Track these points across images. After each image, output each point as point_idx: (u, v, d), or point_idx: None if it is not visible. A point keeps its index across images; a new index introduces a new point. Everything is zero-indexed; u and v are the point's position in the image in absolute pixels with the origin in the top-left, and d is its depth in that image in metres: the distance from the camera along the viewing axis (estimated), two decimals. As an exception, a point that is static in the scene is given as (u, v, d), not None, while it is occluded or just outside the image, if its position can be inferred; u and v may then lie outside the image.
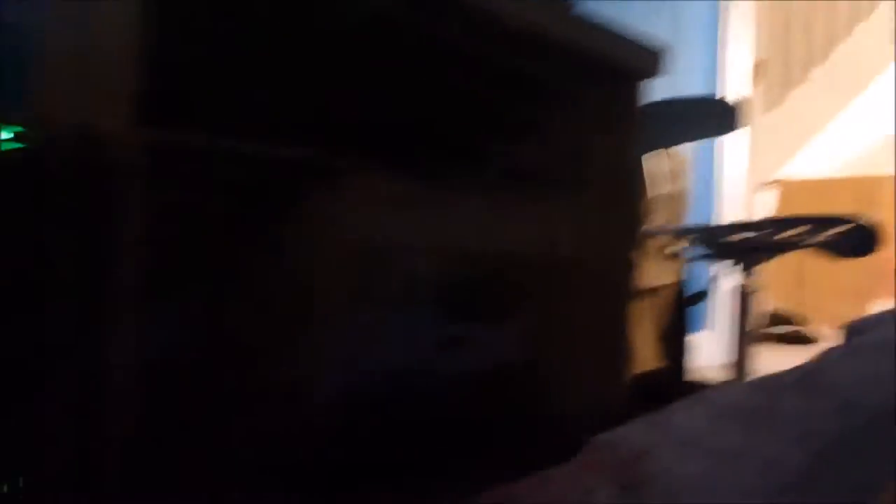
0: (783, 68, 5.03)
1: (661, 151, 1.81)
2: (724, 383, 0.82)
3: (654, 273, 2.07)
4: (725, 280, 3.10)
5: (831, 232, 1.43)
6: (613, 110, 1.42)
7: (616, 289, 1.43)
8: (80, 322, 0.77)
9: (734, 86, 3.31)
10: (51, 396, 0.76)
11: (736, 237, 1.51)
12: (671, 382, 1.73)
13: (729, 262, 1.65)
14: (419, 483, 1.20)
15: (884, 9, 4.62)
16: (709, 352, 3.23)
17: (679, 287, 2.25)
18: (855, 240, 1.43)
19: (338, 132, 1.35)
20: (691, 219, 2.93)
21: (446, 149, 1.29)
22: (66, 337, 0.75)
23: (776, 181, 4.58)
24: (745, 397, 0.73)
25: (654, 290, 2.15)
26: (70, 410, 0.77)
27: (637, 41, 1.37)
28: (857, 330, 0.90)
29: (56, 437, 0.75)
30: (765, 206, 4.65)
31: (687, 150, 3.04)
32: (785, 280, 4.34)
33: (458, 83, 1.65)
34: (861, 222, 1.38)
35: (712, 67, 3.28)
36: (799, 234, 1.45)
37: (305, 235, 1.14)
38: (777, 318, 4.42)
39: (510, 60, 1.38)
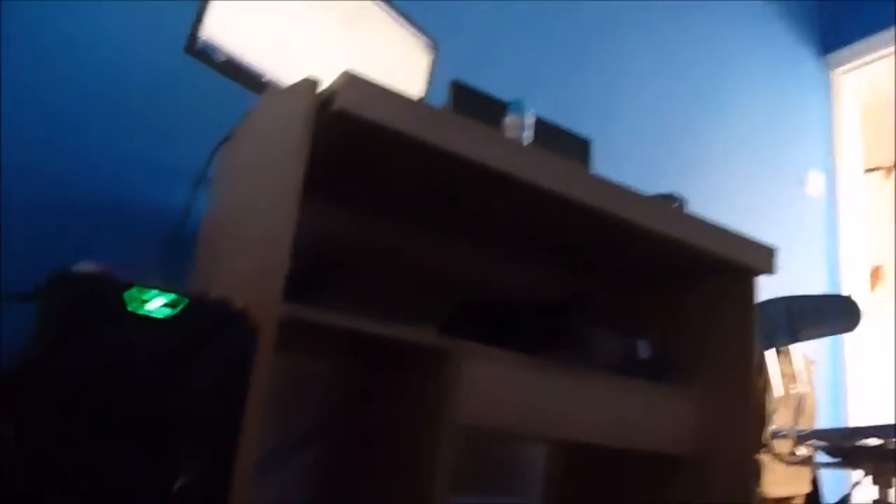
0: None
1: (787, 350, 1.77)
2: None
3: (782, 480, 1.94)
4: (863, 492, 2.84)
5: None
6: (729, 305, 1.44)
7: (742, 490, 1.36)
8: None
9: (852, 287, 3.23)
10: None
11: (865, 443, 1.42)
12: None
13: (863, 471, 1.54)
14: None
15: None
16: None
17: (811, 497, 2.08)
18: None
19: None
20: (820, 424, 2.77)
21: (575, 339, 1.33)
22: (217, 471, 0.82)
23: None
24: None
25: (783, 500, 2.01)
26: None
27: (752, 239, 1.42)
28: None
29: None
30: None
31: (815, 350, 2.94)
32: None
33: (581, 277, 1.73)
34: None
35: (832, 269, 3.24)
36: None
37: (421, 408, 1.19)
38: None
39: (635, 252, 1.45)
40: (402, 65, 1.63)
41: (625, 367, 1.36)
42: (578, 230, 1.38)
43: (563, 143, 1.79)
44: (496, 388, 1.21)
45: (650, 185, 2.54)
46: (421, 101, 1.06)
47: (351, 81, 0.98)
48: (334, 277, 1.42)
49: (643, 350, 1.42)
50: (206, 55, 1.30)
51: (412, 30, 1.66)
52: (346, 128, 1.04)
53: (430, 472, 1.13)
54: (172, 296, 0.80)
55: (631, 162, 2.55)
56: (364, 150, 1.14)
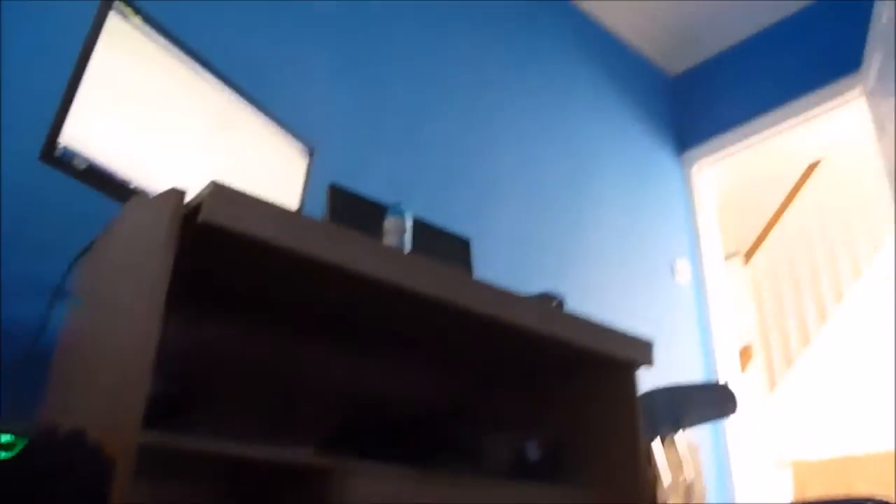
0: (773, 350, 5.19)
1: (672, 438, 1.81)
2: None
3: (677, 570, 1.94)
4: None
5: (852, 517, 1.37)
6: (612, 398, 1.45)
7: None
8: None
9: (726, 368, 3.39)
10: None
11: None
12: None
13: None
14: None
15: (869, 279, 4.89)
16: None
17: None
18: (878, 525, 1.37)
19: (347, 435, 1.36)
20: (708, 507, 2.81)
21: (463, 447, 1.30)
22: None
23: (789, 463, 4.46)
24: None
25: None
26: None
27: (629, 334, 1.45)
28: None
29: None
30: (781, 489, 4.47)
31: (697, 436, 3.02)
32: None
33: (465, 382, 1.71)
34: (875, 503, 1.34)
35: (706, 352, 3.39)
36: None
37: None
38: None
39: (519, 351, 1.45)
40: (276, 170, 1.61)
41: (515, 471, 1.33)
42: (462, 335, 1.37)
43: (444, 244, 1.80)
44: (372, 500, 1.15)
45: (528, 282, 2.60)
46: (294, 210, 1.03)
47: (217, 191, 0.95)
48: (206, 396, 1.33)
49: (532, 452, 1.41)
50: (65, 162, 1.22)
51: (287, 135, 1.65)
52: (213, 239, 0.99)
53: None
54: (8, 436, 0.70)
55: (509, 260, 2.61)
56: (234, 261, 1.09)
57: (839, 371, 4.84)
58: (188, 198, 0.98)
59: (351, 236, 1.09)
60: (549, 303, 1.30)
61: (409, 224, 1.45)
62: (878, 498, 1.35)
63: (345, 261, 1.07)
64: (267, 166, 1.58)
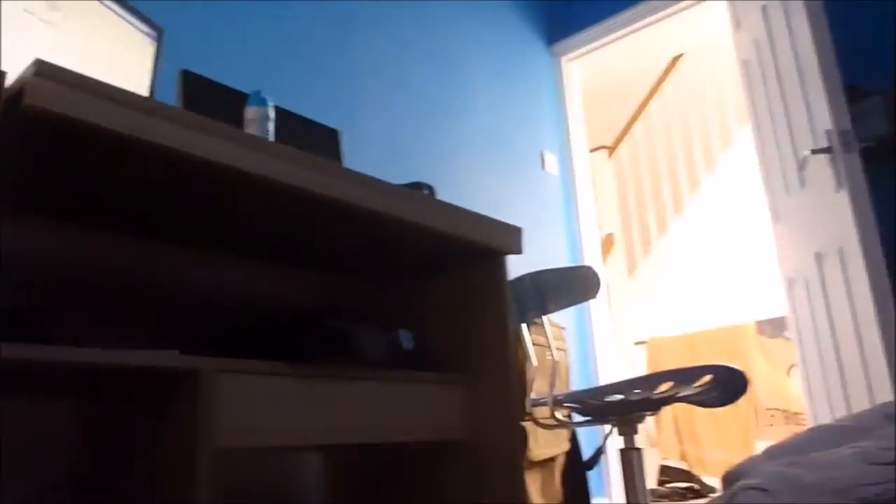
0: (633, 237, 5.49)
1: (539, 321, 1.88)
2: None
3: (545, 443, 2.07)
4: (615, 442, 3.15)
5: (698, 383, 1.50)
6: (483, 286, 1.48)
7: (511, 462, 1.42)
8: None
9: (590, 256, 3.57)
10: None
11: (611, 399, 1.56)
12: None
13: (613, 424, 1.69)
14: None
15: (723, 166, 5.22)
16: (610, 518, 3.19)
17: (573, 453, 2.25)
18: (721, 388, 1.52)
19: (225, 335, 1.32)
20: (575, 384, 3.01)
21: (337, 339, 1.28)
22: None
23: (644, 340, 4.83)
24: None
25: (548, 461, 2.15)
26: None
27: (499, 222, 1.47)
28: (733, 478, 0.93)
29: None
30: (638, 366, 4.86)
31: (562, 318, 3.19)
32: (670, 434, 4.45)
33: (331, 272, 1.69)
34: (723, 371, 1.47)
35: (571, 240, 3.54)
36: (670, 389, 1.52)
37: (175, 438, 1.07)
38: (670, 474, 4.47)
39: (387, 244, 1.44)
40: (121, 56, 1.47)
41: (389, 361, 1.35)
42: (330, 227, 1.33)
43: (311, 135, 1.73)
44: (257, 402, 1.13)
45: (399, 175, 2.57)
46: (141, 94, 0.94)
47: (43, 71, 0.84)
48: (59, 309, 1.24)
49: (406, 340, 1.42)
50: None
51: (131, 17, 1.49)
52: (43, 126, 0.89)
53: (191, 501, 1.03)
54: None
55: (380, 154, 2.56)
56: (76, 153, 0.99)
57: (691, 256, 5.22)
58: (9, 81, 0.87)
59: (209, 123, 1.01)
60: (418, 192, 1.29)
61: (272, 113, 1.38)
62: (723, 364, 1.48)
63: (204, 151, 1.00)
64: (109, 50, 1.44)
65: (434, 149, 2.81)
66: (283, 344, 1.21)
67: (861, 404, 2.07)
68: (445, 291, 1.56)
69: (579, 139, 3.79)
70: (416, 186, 1.43)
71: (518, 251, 1.48)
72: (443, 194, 2.69)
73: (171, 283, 1.43)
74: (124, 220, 1.28)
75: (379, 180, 1.24)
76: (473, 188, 2.94)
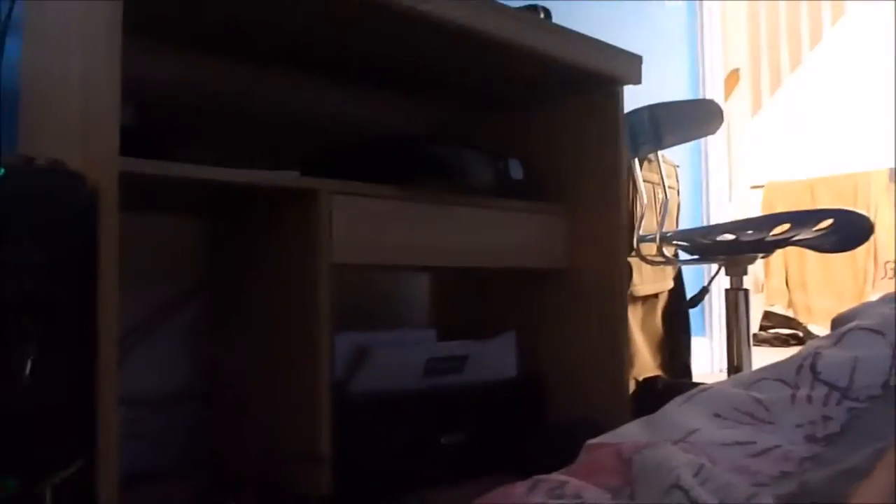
0: (762, 74, 5.10)
1: (653, 157, 1.83)
2: (716, 383, 0.83)
3: (651, 278, 2.08)
4: (721, 283, 3.12)
5: (817, 228, 1.44)
6: (600, 115, 1.44)
7: (614, 295, 1.44)
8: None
9: (713, 92, 3.35)
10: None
11: (721, 238, 1.52)
12: (674, 386, 1.73)
13: (721, 263, 1.67)
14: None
15: (855, 12, 4.70)
16: (708, 357, 3.23)
17: (677, 291, 2.26)
18: (841, 234, 1.45)
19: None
20: (684, 224, 2.95)
21: (445, 165, 1.30)
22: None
23: (762, 184, 4.62)
24: (735, 393, 0.74)
25: (652, 297, 2.16)
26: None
27: (618, 49, 1.40)
28: (842, 321, 0.91)
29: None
30: (753, 209, 4.68)
31: (676, 155, 3.07)
32: (780, 281, 4.36)
33: (457, 105, 1.67)
34: (842, 214, 1.40)
35: (693, 74, 3.33)
36: (785, 232, 1.46)
37: (295, 254, 1.15)
38: (775, 320, 4.43)
39: (498, 70, 1.40)
40: None
41: (498, 189, 1.36)
42: (438, 51, 1.30)
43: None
44: (369, 221, 1.18)
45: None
46: None
47: None
48: (181, 128, 1.30)
49: (515, 170, 1.42)
50: None
51: None
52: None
53: (313, 314, 1.11)
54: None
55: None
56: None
57: (824, 95, 4.82)
58: None
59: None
60: (533, 14, 1.23)
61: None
62: (845, 208, 1.41)
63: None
64: None
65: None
66: (391, 168, 1.24)
67: None
68: (559, 120, 1.53)
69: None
70: (531, 9, 1.36)
71: (637, 81, 1.41)
72: (557, 18, 2.56)
73: (280, 107, 1.46)
74: (233, 45, 1.29)
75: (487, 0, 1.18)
76: (589, 14, 2.77)
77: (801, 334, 4.29)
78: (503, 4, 1.20)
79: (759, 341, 4.24)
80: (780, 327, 4.41)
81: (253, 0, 1.08)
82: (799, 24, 4.98)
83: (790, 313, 4.39)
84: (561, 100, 1.51)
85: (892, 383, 0.67)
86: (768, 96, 5.07)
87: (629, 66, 1.40)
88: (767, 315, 4.40)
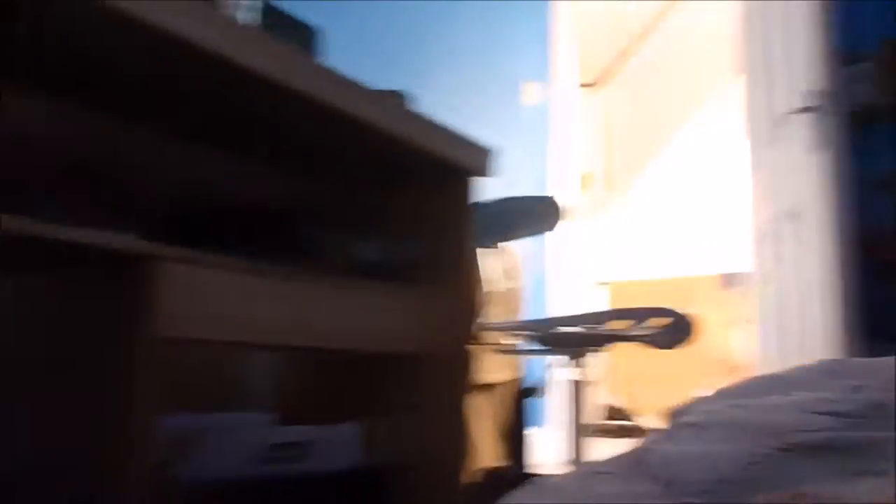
0: (611, 178, 5.49)
1: (497, 248, 1.87)
2: (553, 477, 0.82)
3: (492, 368, 2.10)
4: (560, 374, 3.20)
5: (651, 325, 1.52)
6: (449, 205, 1.46)
7: (460, 382, 1.43)
8: None
9: (565, 190, 3.56)
10: None
11: (565, 330, 1.57)
12: (510, 477, 1.73)
13: (561, 355, 1.71)
14: None
15: (708, 115, 5.20)
16: (546, 447, 3.28)
17: (517, 382, 2.29)
18: (673, 332, 1.54)
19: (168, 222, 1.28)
20: (526, 316, 3.03)
21: (301, 243, 1.26)
22: None
23: (607, 282, 4.88)
24: (572, 485, 0.73)
25: (492, 386, 2.18)
26: None
27: (469, 140, 1.43)
28: (677, 414, 0.94)
29: None
30: (597, 306, 4.92)
31: (521, 248, 3.19)
32: (618, 375, 4.56)
33: (298, 173, 1.64)
34: (677, 315, 1.49)
35: (547, 172, 3.52)
36: (623, 328, 1.53)
37: (118, 322, 1.05)
38: (612, 413, 4.61)
39: (345, 152, 1.40)
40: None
41: (352, 270, 1.33)
42: (301, 125, 1.28)
43: (287, 31, 1.66)
44: (207, 294, 1.10)
45: (377, 82, 2.49)
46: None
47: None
48: (15, 184, 1.19)
49: (370, 252, 1.40)
50: None
51: None
52: None
53: (129, 392, 1.01)
54: None
55: (362, 58, 2.48)
56: (35, 25, 0.92)
57: (664, 203, 5.24)
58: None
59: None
60: (393, 98, 1.24)
61: (253, 2, 1.30)
62: (677, 309, 1.50)
63: (176, 27, 0.93)
64: None
65: (415, 58, 2.73)
66: (242, 241, 1.18)
67: (810, 359, 2.12)
68: (411, 204, 1.53)
69: (567, 72, 3.72)
70: (391, 94, 1.38)
71: (486, 173, 1.45)
72: (419, 106, 2.63)
73: (134, 166, 1.37)
74: (89, 97, 1.21)
75: (350, 79, 1.19)
76: (449, 108, 2.87)
77: (637, 425, 4.48)
78: (367, 87, 1.20)
79: (602, 432, 4.37)
80: (621, 419, 4.59)
81: (106, 50, 1.02)
82: (649, 133, 5.44)
83: (630, 405, 4.58)
84: (416, 183, 1.52)
85: (723, 479, 0.67)
86: (617, 199, 5.43)
87: (480, 158, 1.44)
88: (607, 407, 4.57)
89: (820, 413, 0.69)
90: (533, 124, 3.50)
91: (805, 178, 2.20)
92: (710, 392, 1.07)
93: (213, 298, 1.10)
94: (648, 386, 4.44)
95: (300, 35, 1.70)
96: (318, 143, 1.37)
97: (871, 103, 2.46)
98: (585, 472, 0.81)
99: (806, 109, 2.15)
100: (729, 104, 4.94)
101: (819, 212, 2.11)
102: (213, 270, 1.10)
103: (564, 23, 3.72)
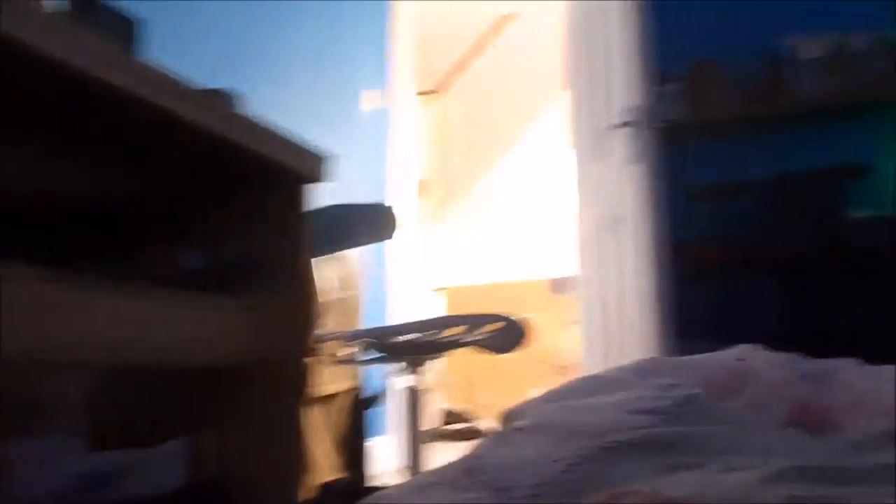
0: (448, 185, 5.59)
1: (333, 256, 1.84)
2: (388, 489, 0.80)
3: (329, 378, 2.05)
4: (398, 382, 3.21)
5: (485, 330, 1.55)
6: (281, 212, 1.40)
7: (294, 394, 1.37)
8: None
9: (400, 199, 3.57)
10: None
11: (402, 339, 1.56)
12: (350, 490, 1.69)
13: (398, 363, 1.70)
14: None
15: (540, 126, 5.42)
16: (388, 456, 3.27)
17: (355, 392, 2.25)
18: (506, 336, 1.58)
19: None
20: (366, 324, 3.01)
21: (121, 251, 1.15)
22: None
23: (443, 288, 4.96)
24: (405, 498, 0.72)
25: (330, 396, 2.13)
26: None
27: (302, 144, 1.39)
28: (509, 418, 0.95)
29: None
30: (436, 312, 4.99)
31: (358, 256, 3.16)
32: (456, 379, 4.65)
33: (116, 175, 1.51)
34: (510, 320, 1.53)
35: (383, 183, 3.51)
36: (458, 334, 1.55)
37: None
38: (452, 417, 4.68)
39: (169, 154, 1.31)
40: None
41: (175, 280, 1.24)
42: (114, 123, 1.18)
43: (103, 22, 1.53)
44: (19, 309, 0.99)
45: (208, 81, 2.37)
46: None
47: None
48: None
49: (194, 261, 1.32)
50: None
51: None
52: None
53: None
54: None
55: (190, 55, 2.35)
56: None
57: (498, 210, 5.41)
58: None
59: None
60: (220, 98, 1.17)
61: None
62: (511, 314, 1.53)
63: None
64: None
65: (248, 57, 2.63)
66: (62, 247, 1.07)
67: (631, 359, 2.26)
68: (242, 211, 1.46)
69: (405, 80, 3.75)
70: (216, 93, 1.30)
71: (321, 179, 1.41)
72: (250, 108, 2.53)
73: None
74: None
75: (170, 75, 1.11)
76: (285, 113, 2.80)
77: (477, 429, 4.58)
78: (190, 85, 1.12)
79: (440, 437, 4.43)
80: (459, 423, 4.67)
81: None
82: (485, 142, 5.59)
83: (466, 410, 4.68)
84: (248, 191, 1.45)
85: (550, 481, 0.68)
86: (454, 206, 5.55)
87: (314, 164, 1.40)
88: (446, 412, 4.64)
89: (638, 412, 0.73)
90: (372, 131, 3.48)
91: (625, 188, 2.35)
92: (540, 394, 1.10)
93: (21, 312, 0.99)
94: (486, 389, 4.56)
95: (117, 27, 1.58)
96: (136, 144, 1.27)
97: (682, 120, 2.67)
98: (418, 484, 0.80)
99: (624, 124, 2.30)
100: (560, 116, 5.21)
101: (636, 220, 2.26)
102: (25, 282, 0.99)
103: (403, 30, 3.75)
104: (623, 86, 2.39)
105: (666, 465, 0.61)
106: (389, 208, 1.62)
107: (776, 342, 1.08)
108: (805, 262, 2.45)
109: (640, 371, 0.99)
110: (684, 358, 1.08)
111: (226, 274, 1.42)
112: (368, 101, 3.46)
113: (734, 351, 1.05)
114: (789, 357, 1.05)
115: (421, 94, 5.43)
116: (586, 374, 2.61)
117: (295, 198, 1.40)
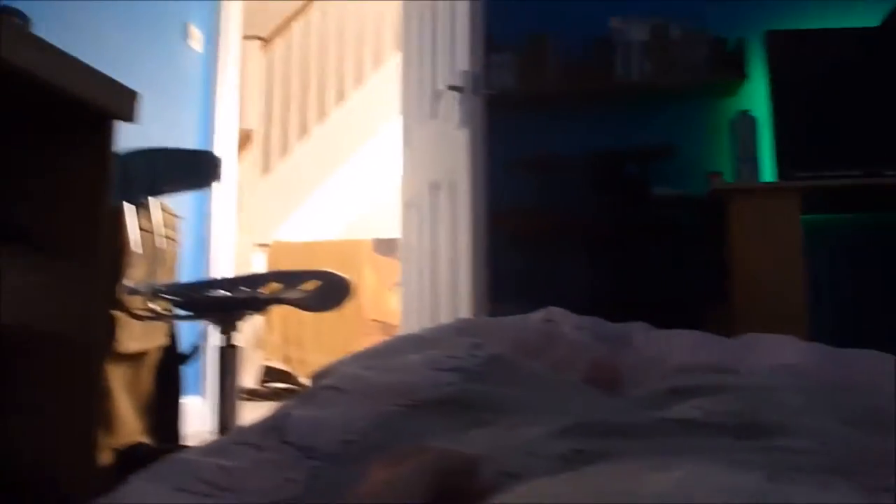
0: (273, 138, 5.40)
1: (147, 204, 1.71)
2: (186, 451, 0.76)
3: (138, 335, 1.93)
4: (214, 339, 3.10)
5: (304, 288, 1.52)
6: (83, 153, 1.28)
7: (91, 353, 1.27)
8: None
9: (224, 148, 3.40)
10: None
11: (218, 294, 1.49)
12: (154, 453, 1.61)
13: (214, 320, 1.63)
14: None
15: (371, 85, 5.34)
16: (203, 417, 3.15)
17: (167, 349, 2.14)
18: (325, 294, 1.55)
19: None
20: (183, 278, 2.86)
21: None
22: None
23: (267, 243, 4.82)
24: (201, 462, 0.69)
25: (139, 355, 2.00)
26: None
27: (110, 80, 1.26)
28: (320, 377, 0.94)
29: None
30: (257, 267, 4.85)
31: (179, 206, 2.98)
32: (279, 338, 4.56)
33: None
34: (330, 278, 1.50)
35: (205, 127, 3.31)
36: (276, 291, 1.50)
37: None
38: (274, 375, 4.59)
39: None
40: None
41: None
42: None
43: None
44: None
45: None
46: None
47: None
48: None
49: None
50: None
51: None
52: None
53: None
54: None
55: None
56: None
57: (326, 166, 5.32)
58: None
59: None
60: (7, 18, 1.03)
61: None
62: (330, 271, 1.51)
63: None
64: None
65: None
66: None
67: (448, 321, 2.32)
68: (37, 152, 1.32)
69: (233, 21, 3.54)
70: (5, 11, 1.15)
71: (130, 118, 1.30)
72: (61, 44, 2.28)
73: None
74: None
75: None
76: (98, 39, 2.54)
77: (296, 388, 4.53)
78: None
79: (259, 396, 4.34)
80: (279, 381, 4.60)
81: None
82: (308, 98, 5.43)
83: (288, 368, 4.61)
84: (44, 130, 1.30)
85: (353, 439, 0.68)
86: (278, 160, 5.37)
87: (123, 101, 1.29)
88: (267, 370, 4.54)
89: (445, 370, 0.74)
90: (196, 73, 3.27)
91: (449, 154, 2.38)
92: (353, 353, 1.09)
93: None
94: (310, 348, 4.52)
95: None
96: None
97: (510, 90, 2.74)
98: (219, 444, 0.77)
99: (454, 88, 2.32)
100: (389, 77, 5.18)
101: (459, 186, 2.31)
102: None
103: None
104: (455, 52, 2.41)
105: (466, 422, 0.63)
106: (210, 153, 1.53)
107: (582, 307, 1.15)
108: (612, 235, 2.63)
109: (453, 331, 1.02)
110: (497, 319, 1.12)
111: (19, 225, 1.27)
112: (196, 39, 3.24)
113: (543, 313, 1.11)
114: (592, 320, 1.12)
115: (248, 38, 5.18)
116: (405, 333, 2.66)
117: (100, 138, 1.28)
